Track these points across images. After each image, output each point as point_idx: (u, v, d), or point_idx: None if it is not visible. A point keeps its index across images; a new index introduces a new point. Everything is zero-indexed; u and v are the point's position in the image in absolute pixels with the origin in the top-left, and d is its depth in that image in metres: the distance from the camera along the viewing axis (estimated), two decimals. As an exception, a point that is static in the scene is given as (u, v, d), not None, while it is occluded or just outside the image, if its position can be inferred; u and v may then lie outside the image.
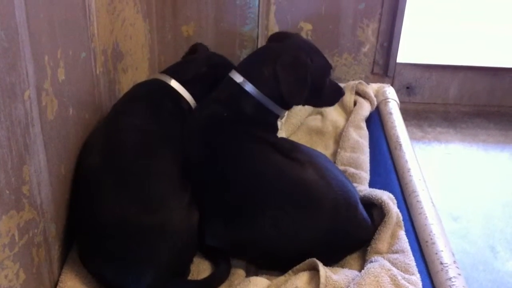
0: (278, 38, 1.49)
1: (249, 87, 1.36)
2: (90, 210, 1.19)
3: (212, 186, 1.30)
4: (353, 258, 1.30)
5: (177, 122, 1.38)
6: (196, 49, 1.63)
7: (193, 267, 1.27)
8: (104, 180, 1.21)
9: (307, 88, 1.37)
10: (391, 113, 1.91)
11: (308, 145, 1.57)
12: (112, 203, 1.18)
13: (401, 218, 1.33)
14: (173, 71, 1.49)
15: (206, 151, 1.33)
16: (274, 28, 2.37)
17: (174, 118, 1.38)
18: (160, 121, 1.35)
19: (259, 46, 2.39)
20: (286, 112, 1.57)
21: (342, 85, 2.00)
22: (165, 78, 1.45)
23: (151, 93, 1.43)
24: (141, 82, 1.50)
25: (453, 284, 1.16)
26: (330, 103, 1.59)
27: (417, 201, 1.44)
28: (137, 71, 1.81)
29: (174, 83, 1.44)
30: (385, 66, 2.50)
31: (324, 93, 1.48)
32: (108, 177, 1.21)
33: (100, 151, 1.25)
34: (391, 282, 1.15)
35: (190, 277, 1.26)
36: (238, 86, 1.36)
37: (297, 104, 1.43)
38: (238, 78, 1.37)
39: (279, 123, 1.46)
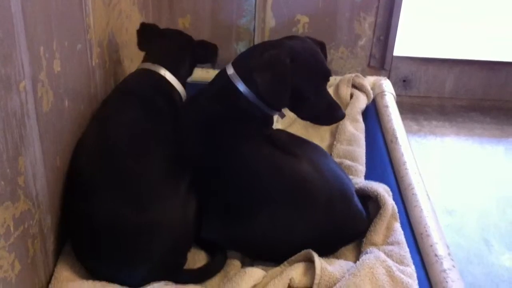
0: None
1: (238, 82, 1.34)
2: (83, 208, 1.19)
3: (207, 182, 1.30)
4: (348, 250, 1.31)
5: (169, 116, 1.38)
6: (162, 33, 1.57)
7: (189, 257, 1.28)
8: (96, 178, 1.21)
9: (286, 89, 1.29)
10: (387, 106, 1.91)
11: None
12: (104, 201, 1.18)
13: (396, 210, 1.34)
14: (164, 61, 1.47)
15: (200, 147, 1.33)
16: (271, 21, 2.37)
17: (166, 113, 1.38)
18: (151, 117, 1.34)
19: (256, 39, 2.39)
20: (276, 118, 1.51)
21: (338, 77, 2.01)
22: (157, 68, 1.45)
23: (142, 86, 1.42)
24: (133, 73, 1.49)
25: (448, 276, 1.17)
26: (324, 121, 1.44)
27: (413, 194, 1.45)
28: (132, 63, 1.80)
29: (168, 75, 1.44)
30: (381, 60, 2.51)
31: (318, 106, 1.36)
32: (100, 175, 1.21)
33: (91, 149, 1.25)
34: (386, 273, 1.15)
35: (185, 267, 1.26)
36: (229, 80, 1.35)
37: (280, 106, 1.36)
38: (229, 70, 1.36)
39: (274, 116, 1.46)
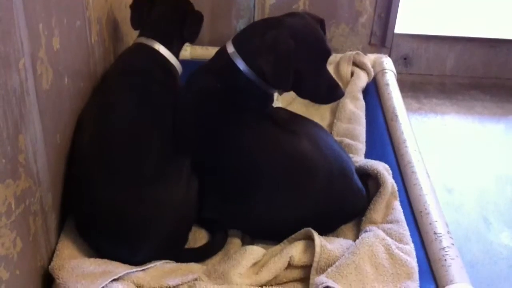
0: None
1: (239, 61, 1.32)
2: (84, 188, 1.20)
3: (207, 160, 1.30)
4: (347, 228, 1.31)
5: (168, 93, 1.37)
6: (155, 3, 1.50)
7: (190, 236, 1.28)
8: (97, 157, 1.21)
9: (290, 71, 1.28)
10: (387, 84, 1.90)
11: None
12: (106, 181, 1.18)
13: (396, 188, 1.34)
14: (156, 34, 1.44)
15: (200, 124, 1.33)
16: (271, -2, 2.35)
17: (165, 90, 1.37)
18: (151, 96, 1.33)
19: (256, 16, 2.37)
20: (277, 97, 1.49)
21: (339, 55, 2.00)
22: (151, 43, 1.43)
23: (140, 62, 1.40)
24: (128, 50, 1.47)
25: (447, 254, 1.18)
26: (323, 100, 1.43)
27: (412, 172, 1.45)
28: (132, 39, 1.79)
29: (162, 50, 1.43)
30: (382, 37, 2.49)
31: (318, 85, 1.36)
32: (101, 154, 1.21)
33: (92, 127, 1.25)
34: (385, 252, 1.16)
35: (186, 246, 1.27)
36: (230, 58, 1.33)
37: (283, 87, 1.35)
38: (230, 48, 1.35)
39: (275, 94, 1.45)
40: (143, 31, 1.48)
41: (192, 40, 1.54)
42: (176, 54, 1.48)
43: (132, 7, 1.52)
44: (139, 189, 1.19)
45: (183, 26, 1.49)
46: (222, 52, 1.37)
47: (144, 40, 1.44)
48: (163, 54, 1.43)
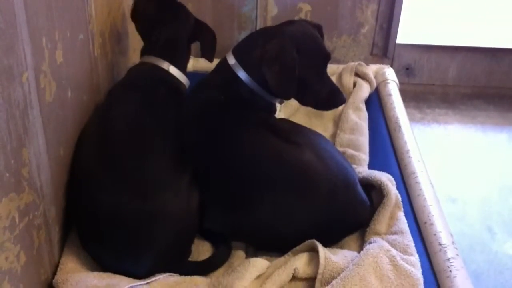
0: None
1: (240, 72, 1.34)
2: (86, 199, 1.20)
3: (209, 172, 1.30)
4: (352, 239, 1.31)
5: (172, 108, 1.36)
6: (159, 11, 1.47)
7: (193, 248, 1.28)
8: (100, 168, 1.21)
9: (294, 80, 1.30)
10: (390, 95, 1.90)
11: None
12: (108, 191, 1.18)
13: (400, 199, 1.34)
14: (166, 54, 1.43)
15: (203, 136, 1.33)
16: (273, 9, 2.35)
17: (169, 105, 1.36)
18: (155, 109, 1.33)
19: (258, 27, 2.38)
20: (280, 106, 1.51)
21: (341, 66, 2.00)
22: (161, 63, 1.41)
23: (148, 81, 1.39)
24: (136, 67, 1.46)
25: (451, 265, 1.17)
26: (325, 106, 1.44)
27: (416, 182, 1.44)
28: (135, 53, 1.79)
29: (172, 70, 1.42)
30: (384, 48, 2.49)
31: (320, 91, 1.38)
32: (104, 166, 1.21)
33: (95, 140, 1.25)
34: (390, 263, 1.16)
35: (190, 258, 1.27)
36: (231, 69, 1.35)
37: (288, 96, 1.36)
38: (231, 60, 1.36)
39: (277, 105, 1.45)
40: (152, 49, 1.45)
41: (211, 59, 1.52)
42: (184, 70, 1.47)
43: (134, 18, 1.51)
44: (141, 201, 1.18)
45: (192, 41, 1.49)
46: (223, 63, 1.38)
47: (153, 60, 1.42)
48: (173, 74, 1.42)
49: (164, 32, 1.46)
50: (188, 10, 1.52)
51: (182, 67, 1.46)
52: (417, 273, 1.16)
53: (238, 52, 1.37)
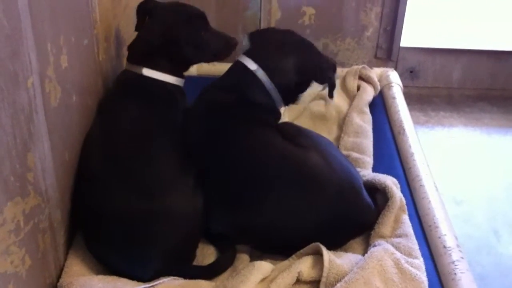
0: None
1: (262, 75, 1.38)
2: (92, 201, 1.20)
3: (215, 172, 1.31)
4: (356, 242, 1.31)
5: (171, 107, 1.37)
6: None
7: (198, 252, 1.28)
8: (105, 171, 1.21)
9: None
10: (394, 98, 1.90)
11: (312, 130, 1.57)
12: (114, 193, 1.19)
13: (404, 202, 1.34)
14: (139, 59, 1.38)
15: (209, 137, 1.34)
16: (277, 13, 2.36)
17: (168, 104, 1.37)
18: (155, 110, 1.33)
19: (262, 31, 2.38)
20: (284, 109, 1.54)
21: (345, 69, 2.01)
22: (134, 68, 1.38)
23: (137, 87, 1.37)
24: (122, 76, 1.42)
25: (456, 267, 1.17)
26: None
27: (421, 185, 1.44)
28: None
29: (147, 72, 1.37)
30: (388, 50, 2.50)
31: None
32: (109, 169, 1.22)
33: (100, 142, 1.26)
34: (395, 266, 1.16)
35: (195, 262, 1.27)
36: (251, 73, 1.38)
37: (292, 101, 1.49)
38: (252, 65, 1.38)
39: (282, 109, 1.46)
40: (128, 56, 1.42)
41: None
42: (168, 71, 1.41)
43: (138, 13, 1.45)
44: (147, 202, 1.19)
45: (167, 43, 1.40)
46: (239, 66, 1.40)
47: (151, 73, 1.38)
48: (148, 76, 1.38)
49: (136, 38, 1.42)
50: (164, 13, 1.41)
51: (164, 69, 1.39)
52: (422, 276, 1.16)
53: (258, 57, 1.41)
